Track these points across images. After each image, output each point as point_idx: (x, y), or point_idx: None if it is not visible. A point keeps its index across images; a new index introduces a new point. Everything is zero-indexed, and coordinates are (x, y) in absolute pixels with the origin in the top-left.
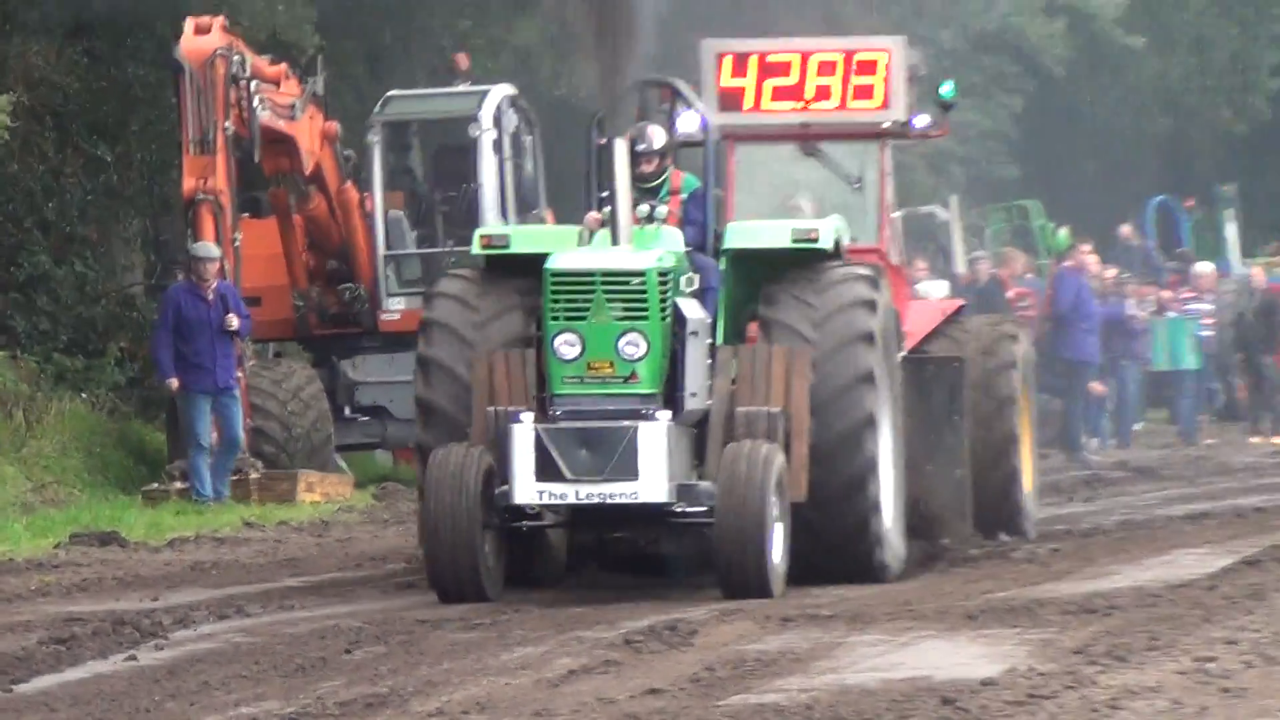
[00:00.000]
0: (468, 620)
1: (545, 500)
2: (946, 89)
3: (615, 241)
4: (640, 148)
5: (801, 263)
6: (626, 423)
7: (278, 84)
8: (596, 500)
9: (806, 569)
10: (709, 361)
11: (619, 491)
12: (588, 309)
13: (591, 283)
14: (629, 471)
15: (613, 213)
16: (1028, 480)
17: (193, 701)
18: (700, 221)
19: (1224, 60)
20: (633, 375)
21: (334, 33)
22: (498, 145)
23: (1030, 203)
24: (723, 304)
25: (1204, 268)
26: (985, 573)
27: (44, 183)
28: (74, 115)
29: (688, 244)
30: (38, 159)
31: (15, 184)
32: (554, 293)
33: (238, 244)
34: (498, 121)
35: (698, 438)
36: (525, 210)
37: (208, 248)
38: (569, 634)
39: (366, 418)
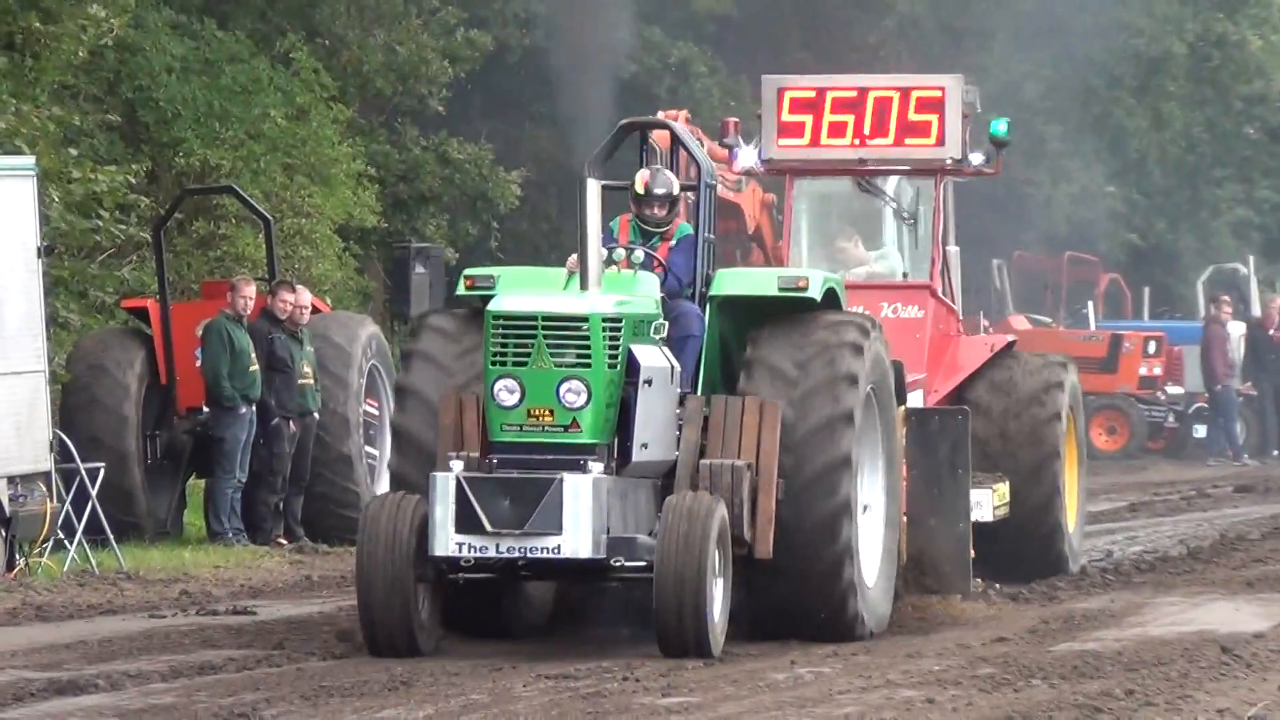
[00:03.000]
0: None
1: (464, 553)
2: (1001, 127)
3: (584, 285)
4: (659, 192)
5: (793, 312)
6: (551, 473)
7: (728, 164)
8: (517, 555)
9: (780, 620)
10: (675, 410)
11: (541, 545)
12: (528, 354)
13: (533, 327)
14: (552, 525)
15: (581, 255)
16: (1071, 523)
17: None
18: (685, 267)
19: None
20: (573, 424)
21: None
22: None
23: None
24: (707, 352)
25: None
26: (1265, 549)
27: (549, 240)
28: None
29: (670, 290)
30: (543, 220)
31: (526, 240)
32: (495, 336)
33: None
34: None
35: (664, 489)
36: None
37: None
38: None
39: None
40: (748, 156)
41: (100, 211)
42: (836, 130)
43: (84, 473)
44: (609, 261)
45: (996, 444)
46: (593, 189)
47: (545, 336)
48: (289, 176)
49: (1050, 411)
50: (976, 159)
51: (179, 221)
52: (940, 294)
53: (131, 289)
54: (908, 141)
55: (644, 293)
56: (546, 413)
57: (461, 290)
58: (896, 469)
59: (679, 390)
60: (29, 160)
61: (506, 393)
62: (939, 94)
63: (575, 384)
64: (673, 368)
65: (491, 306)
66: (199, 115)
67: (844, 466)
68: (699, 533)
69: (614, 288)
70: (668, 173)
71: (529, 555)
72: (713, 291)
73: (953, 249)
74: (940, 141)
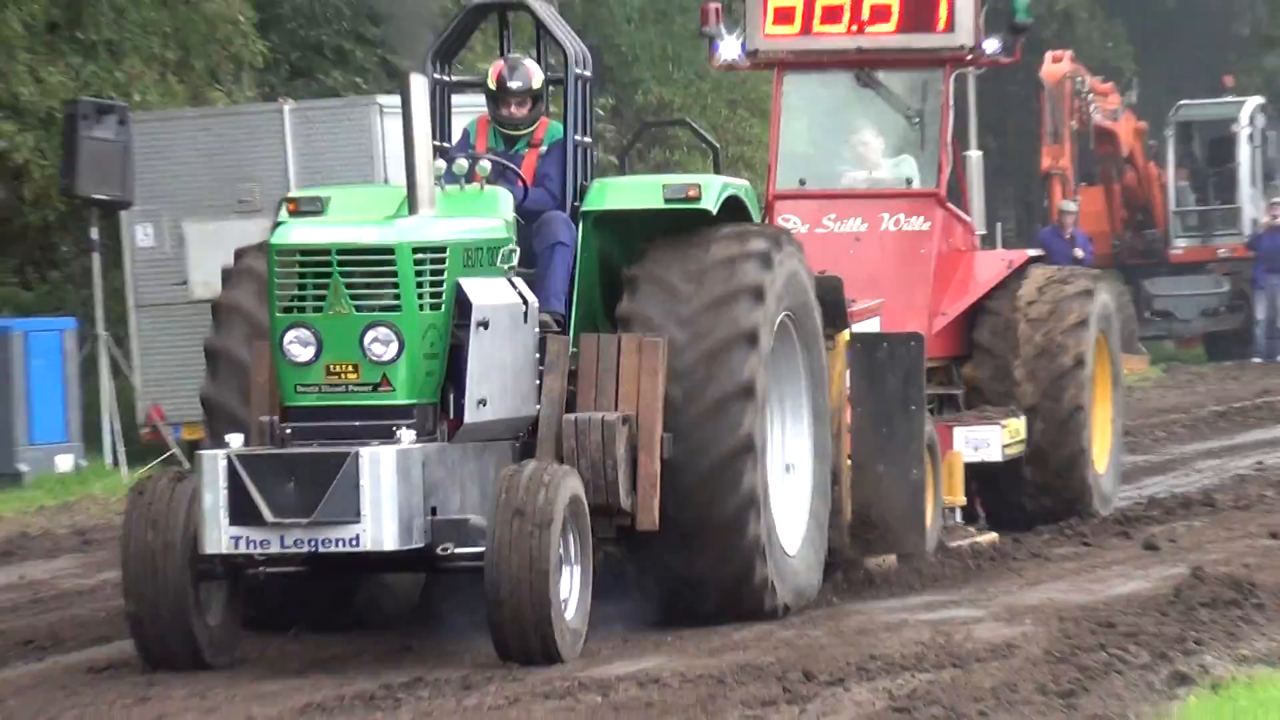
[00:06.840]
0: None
1: (241, 549)
2: (1020, 9)
3: (412, 208)
4: (514, 85)
5: (685, 230)
6: (346, 446)
7: (1106, 96)
8: (306, 549)
9: (674, 595)
10: (532, 356)
11: (335, 537)
12: (324, 297)
13: (327, 263)
14: (347, 510)
15: (409, 170)
16: (1101, 457)
17: None
18: (560, 179)
19: None
20: (383, 382)
21: (1145, 60)
22: (1250, 138)
23: None
24: (583, 280)
25: None
26: None
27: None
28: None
29: (542, 207)
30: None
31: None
32: (282, 276)
33: (1077, 204)
34: (1251, 122)
35: (525, 453)
36: (1266, 181)
37: (1070, 205)
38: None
39: (1159, 318)
40: (730, 48)
41: None
42: (831, 16)
43: None
44: (454, 176)
45: (1000, 385)
46: (417, 85)
47: (343, 274)
48: (732, 110)
49: (1072, 358)
50: (991, 46)
51: (638, 150)
52: (951, 204)
53: None
54: (912, 28)
55: (488, 213)
56: (349, 369)
57: (283, 217)
58: (825, 410)
59: (536, 331)
60: None
61: (299, 345)
62: None
63: (382, 331)
64: (526, 304)
65: (275, 238)
66: (654, 59)
67: (745, 397)
68: (540, 512)
69: (453, 208)
70: (528, 63)
71: (321, 549)
72: (586, 206)
73: (973, 154)
74: (949, 27)
